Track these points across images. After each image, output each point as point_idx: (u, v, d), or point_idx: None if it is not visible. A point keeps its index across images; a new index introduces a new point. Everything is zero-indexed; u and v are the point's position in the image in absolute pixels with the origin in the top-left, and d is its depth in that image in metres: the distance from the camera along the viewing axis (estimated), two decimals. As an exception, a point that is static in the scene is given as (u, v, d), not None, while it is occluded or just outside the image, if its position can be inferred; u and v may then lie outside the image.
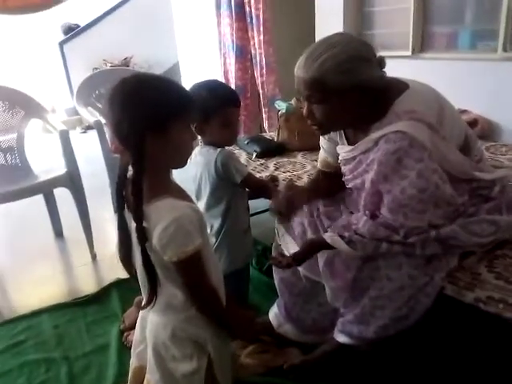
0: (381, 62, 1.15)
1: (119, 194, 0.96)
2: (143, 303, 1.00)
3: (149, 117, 0.90)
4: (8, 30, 5.44)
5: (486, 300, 1.09)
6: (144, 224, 0.91)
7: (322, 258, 1.29)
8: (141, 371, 1.09)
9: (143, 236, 0.91)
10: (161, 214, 0.90)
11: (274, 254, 1.54)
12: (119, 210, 0.97)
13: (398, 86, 1.19)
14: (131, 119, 0.89)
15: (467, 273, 1.19)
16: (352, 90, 1.12)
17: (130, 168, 0.94)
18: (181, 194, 1.01)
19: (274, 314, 1.55)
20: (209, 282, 0.98)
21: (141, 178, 0.90)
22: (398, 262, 1.18)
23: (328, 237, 1.22)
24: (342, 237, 1.19)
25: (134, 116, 0.89)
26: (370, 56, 1.14)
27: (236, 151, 2.33)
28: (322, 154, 1.46)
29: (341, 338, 1.31)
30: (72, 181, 2.26)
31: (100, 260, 2.34)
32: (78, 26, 5.97)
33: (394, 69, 1.20)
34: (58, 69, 5.89)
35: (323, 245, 1.23)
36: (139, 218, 0.90)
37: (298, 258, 1.29)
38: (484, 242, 1.19)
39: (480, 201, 1.22)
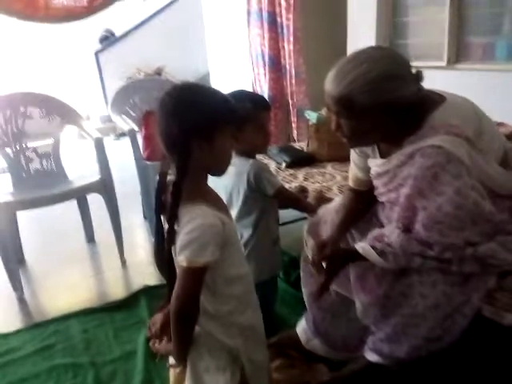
0: (418, 77, 1.12)
1: (159, 198, 0.99)
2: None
3: (198, 124, 0.95)
4: (47, 39, 5.64)
5: (527, 323, 1.04)
6: (175, 226, 0.94)
7: (353, 271, 1.27)
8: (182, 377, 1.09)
9: (172, 238, 0.95)
10: (191, 217, 0.93)
11: (302, 265, 1.52)
12: (157, 214, 1.00)
13: (435, 99, 1.15)
14: (181, 125, 0.94)
15: (506, 293, 1.14)
16: (381, 109, 1.09)
17: (170, 173, 0.99)
18: (216, 202, 1.03)
19: (302, 328, 1.53)
20: (196, 300, 0.96)
21: (182, 182, 0.94)
22: (433, 279, 1.13)
23: (360, 247, 1.19)
24: (374, 248, 1.16)
25: (184, 122, 0.94)
26: (402, 73, 1.10)
27: (265, 161, 2.33)
28: (352, 169, 1.42)
29: (371, 357, 1.27)
30: (105, 187, 2.31)
31: (129, 265, 2.37)
32: (114, 36, 6.14)
33: (427, 80, 1.16)
34: (94, 77, 6.06)
35: (354, 255, 1.20)
36: (172, 219, 0.94)
37: (330, 269, 1.26)
38: (525, 261, 1.14)
39: (521, 218, 1.17)
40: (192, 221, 0.93)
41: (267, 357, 1.18)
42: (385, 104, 1.09)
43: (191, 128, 0.94)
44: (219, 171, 1.05)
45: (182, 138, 0.94)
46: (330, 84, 1.13)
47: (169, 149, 0.98)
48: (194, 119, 0.94)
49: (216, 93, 1.01)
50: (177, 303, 0.95)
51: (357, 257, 1.19)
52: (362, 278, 1.25)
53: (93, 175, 2.35)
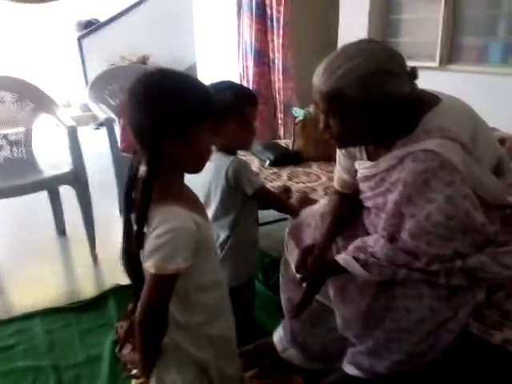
0: (412, 74, 1.04)
1: (128, 195, 0.91)
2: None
3: (172, 117, 0.86)
4: (30, 24, 5.45)
5: (517, 343, 0.98)
6: (144, 229, 0.86)
7: (333, 284, 1.19)
8: None
9: (141, 241, 0.86)
10: (162, 220, 0.85)
11: (281, 269, 1.45)
12: (126, 213, 0.91)
13: (430, 99, 1.08)
14: (153, 118, 0.85)
15: (495, 310, 1.08)
16: (373, 106, 1.01)
17: (141, 168, 0.89)
18: (192, 202, 0.95)
19: (278, 336, 1.45)
20: (164, 310, 0.89)
21: (153, 180, 0.86)
22: (419, 292, 1.07)
23: (341, 259, 1.12)
24: (356, 259, 1.09)
25: (156, 114, 0.85)
26: (396, 68, 1.02)
27: (248, 157, 2.24)
28: (337, 171, 1.35)
29: (349, 370, 1.21)
30: (77, 179, 2.19)
31: (101, 261, 2.26)
32: (98, 22, 5.95)
33: (419, 80, 1.09)
34: (76, 63, 5.87)
35: (336, 268, 1.13)
36: (141, 221, 0.86)
37: (312, 284, 1.19)
38: (515, 275, 1.07)
39: (512, 229, 1.11)
40: (163, 223, 0.85)
41: (239, 368, 1.12)
42: (377, 101, 1.01)
43: (164, 121, 0.85)
44: (195, 169, 0.97)
45: (153, 132, 0.85)
46: (318, 78, 1.04)
47: (139, 142, 0.89)
48: (168, 111, 0.85)
49: (194, 82, 0.92)
50: (143, 313, 0.87)
51: (340, 269, 1.12)
52: (342, 291, 1.18)
53: (65, 166, 2.23)
